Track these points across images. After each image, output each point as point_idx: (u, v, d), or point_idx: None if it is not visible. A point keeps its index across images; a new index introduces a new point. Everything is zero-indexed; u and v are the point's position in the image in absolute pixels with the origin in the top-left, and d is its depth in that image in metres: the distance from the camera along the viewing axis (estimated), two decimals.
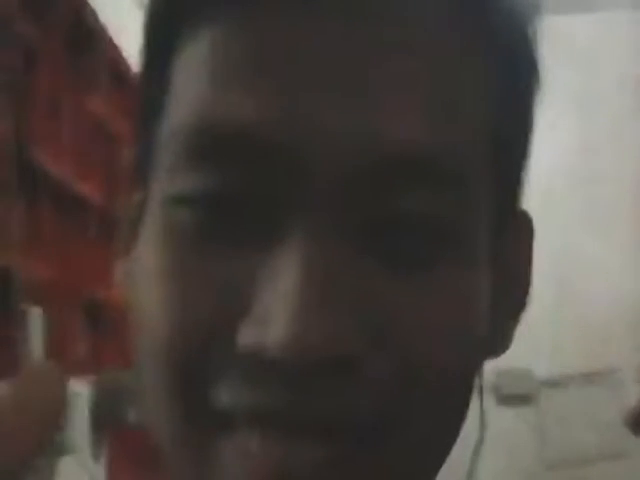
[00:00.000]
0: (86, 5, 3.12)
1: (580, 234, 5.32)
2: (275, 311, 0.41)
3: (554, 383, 5.28)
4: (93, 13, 3.18)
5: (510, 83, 0.48)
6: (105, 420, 2.72)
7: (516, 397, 5.28)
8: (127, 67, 3.51)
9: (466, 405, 0.48)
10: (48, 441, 1.99)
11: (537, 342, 5.27)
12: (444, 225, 0.44)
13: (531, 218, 0.53)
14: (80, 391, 2.61)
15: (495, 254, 0.48)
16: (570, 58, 5.37)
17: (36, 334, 2.64)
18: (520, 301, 0.53)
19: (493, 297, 0.48)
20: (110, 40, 3.30)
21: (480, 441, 0.55)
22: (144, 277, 0.46)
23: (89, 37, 3.16)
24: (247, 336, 0.42)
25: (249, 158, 0.43)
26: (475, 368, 0.48)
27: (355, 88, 0.43)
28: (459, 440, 0.47)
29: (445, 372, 0.44)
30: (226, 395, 0.43)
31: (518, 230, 0.52)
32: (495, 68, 0.47)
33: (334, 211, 0.43)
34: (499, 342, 0.52)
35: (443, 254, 0.44)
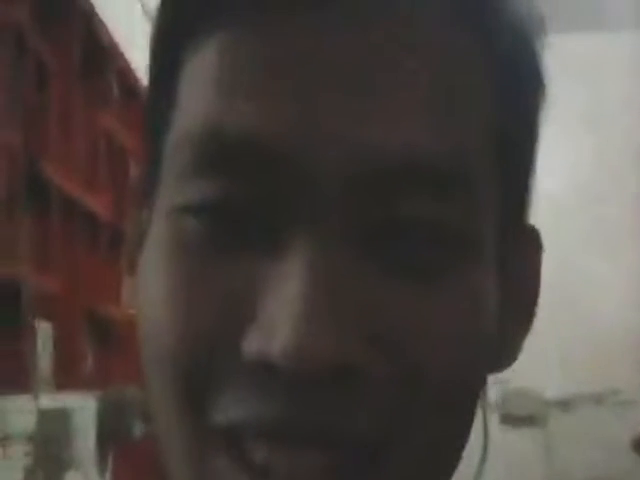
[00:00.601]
0: (98, 21, 3.13)
1: (588, 254, 5.32)
2: (280, 319, 0.41)
3: (561, 403, 5.27)
4: (105, 29, 3.20)
5: (513, 89, 0.48)
6: (111, 434, 2.71)
7: (523, 418, 5.26)
8: (138, 82, 3.52)
9: (471, 419, 0.47)
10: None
11: (545, 362, 5.25)
12: (450, 232, 0.44)
13: (539, 233, 0.53)
14: (86, 405, 2.61)
15: (503, 265, 0.48)
16: (579, 76, 5.37)
17: (44, 348, 2.64)
18: (528, 316, 0.52)
19: (501, 310, 0.48)
20: (121, 55, 3.31)
21: (483, 459, 0.54)
22: (148, 289, 0.46)
23: (101, 53, 3.17)
24: (252, 344, 0.42)
25: (254, 165, 0.43)
26: (480, 381, 0.48)
27: (360, 95, 0.43)
28: (464, 459, 0.47)
29: (450, 383, 0.44)
30: (231, 405, 0.43)
31: (526, 244, 0.51)
32: (498, 74, 0.47)
33: (339, 218, 0.43)
34: (505, 355, 0.51)
35: (450, 262, 0.44)
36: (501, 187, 0.47)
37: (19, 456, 2.29)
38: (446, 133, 0.44)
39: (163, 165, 0.47)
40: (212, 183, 0.44)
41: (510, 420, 5.23)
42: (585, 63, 5.34)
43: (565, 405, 5.26)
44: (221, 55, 0.45)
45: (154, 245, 0.47)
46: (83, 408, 2.55)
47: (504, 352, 0.51)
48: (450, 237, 0.44)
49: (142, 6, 3.67)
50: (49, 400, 2.48)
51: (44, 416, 2.40)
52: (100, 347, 3.13)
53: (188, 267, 0.44)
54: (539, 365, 5.22)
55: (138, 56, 3.42)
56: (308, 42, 0.44)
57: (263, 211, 0.44)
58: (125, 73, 3.34)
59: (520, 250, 0.50)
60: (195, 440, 0.44)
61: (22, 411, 2.35)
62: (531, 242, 0.53)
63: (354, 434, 0.43)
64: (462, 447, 0.48)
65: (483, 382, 0.48)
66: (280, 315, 0.41)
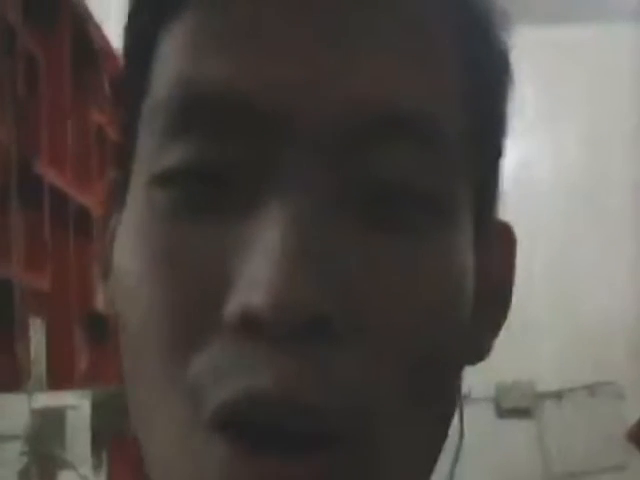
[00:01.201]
0: (90, 18, 3.12)
1: (582, 247, 5.32)
2: (259, 273, 0.40)
3: (555, 396, 5.28)
4: (96, 27, 3.19)
5: (483, 67, 0.48)
6: (106, 433, 2.71)
7: (517, 410, 5.27)
8: None
9: (449, 410, 0.47)
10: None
11: (538, 355, 5.26)
12: (430, 193, 0.44)
13: (512, 228, 0.53)
14: (81, 404, 2.60)
15: (477, 255, 0.48)
16: (574, 73, 5.37)
17: (38, 347, 2.63)
18: (501, 310, 0.52)
19: (475, 301, 0.47)
20: (113, 53, 3.30)
21: (459, 448, 0.54)
22: (124, 264, 0.46)
23: (93, 50, 3.17)
24: (234, 303, 0.41)
25: (229, 122, 0.43)
26: (457, 364, 0.47)
27: (338, 47, 0.43)
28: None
29: (427, 353, 0.43)
30: (213, 376, 0.42)
31: (498, 238, 0.51)
32: (467, 45, 0.47)
33: (312, 173, 0.42)
34: (478, 348, 0.51)
35: (431, 226, 0.44)
36: (473, 169, 0.47)
37: (13, 455, 2.28)
38: (424, 89, 0.44)
39: (137, 144, 0.47)
40: (187, 146, 0.43)
41: (503, 413, 5.23)
42: (584, 57, 5.34)
43: (558, 397, 5.27)
44: (192, 22, 0.45)
45: (129, 221, 0.47)
46: (77, 407, 2.55)
47: (477, 344, 0.50)
48: (429, 199, 0.44)
49: None
50: (43, 399, 2.48)
51: (38, 415, 2.40)
52: (94, 345, 3.13)
53: (163, 236, 0.44)
54: (533, 358, 5.23)
55: None
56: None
57: (238, 171, 0.43)
58: (117, 71, 3.33)
59: (493, 244, 0.50)
60: (177, 417, 0.43)
61: (16, 410, 2.35)
62: (504, 237, 0.52)
63: (332, 404, 0.41)
64: (442, 438, 0.47)
65: (459, 369, 0.48)
66: (260, 270, 0.40)
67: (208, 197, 0.43)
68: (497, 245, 0.51)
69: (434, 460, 0.47)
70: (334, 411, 0.42)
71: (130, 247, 0.46)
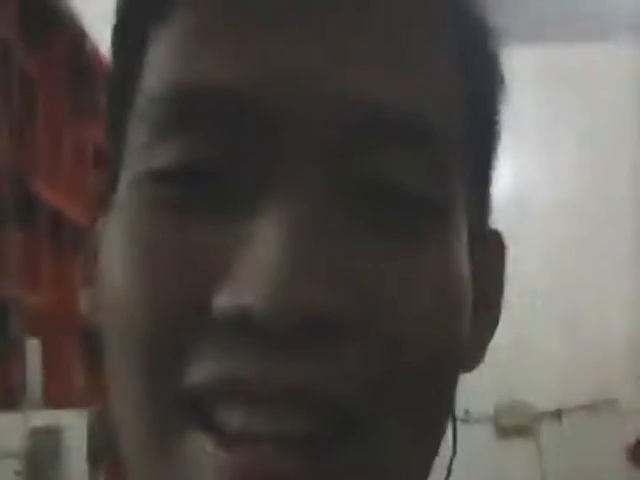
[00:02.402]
0: (85, 35, 3.13)
1: (583, 267, 5.32)
2: (255, 270, 0.40)
3: (554, 415, 5.26)
4: (92, 43, 3.19)
5: (475, 71, 0.49)
6: (102, 451, 2.70)
7: (516, 429, 5.26)
8: None
9: (445, 412, 0.47)
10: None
11: (537, 374, 5.25)
12: (423, 192, 0.44)
13: (502, 237, 0.53)
14: (77, 422, 2.59)
15: (471, 257, 0.48)
16: (572, 92, 5.39)
17: (33, 365, 2.62)
18: (491, 320, 0.52)
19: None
20: (108, 68, 3.31)
21: (451, 461, 0.53)
22: (111, 263, 0.45)
23: (88, 68, 3.17)
24: (225, 298, 0.41)
25: (224, 118, 0.43)
26: (454, 367, 0.46)
27: (327, 47, 0.43)
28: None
29: (425, 351, 0.43)
30: (203, 368, 0.41)
31: (490, 247, 0.51)
32: (463, 56, 0.48)
33: (310, 172, 0.42)
34: (472, 355, 0.50)
35: (425, 223, 0.44)
36: (468, 175, 0.47)
37: (9, 474, 2.27)
38: (420, 92, 0.44)
39: (126, 145, 0.47)
40: (182, 144, 0.43)
41: (502, 431, 5.22)
42: (581, 78, 5.36)
43: (558, 416, 5.26)
44: (185, 21, 0.45)
45: (116, 221, 0.46)
46: (74, 425, 2.54)
47: (470, 351, 0.49)
48: (425, 201, 0.44)
49: None
50: (39, 417, 2.47)
51: (34, 434, 2.39)
52: (90, 363, 3.11)
53: (152, 230, 0.43)
54: (532, 377, 5.22)
55: None
56: None
57: (233, 170, 0.43)
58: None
59: (485, 253, 0.50)
60: (163, 414, 0.43)
61: (12, 429, 2.34)
62: (494, 244, 0.52)
63: (329, 397, 0.41)
64: (437, 440, 0.47)
65: (456, 372, 0.47)
66: (255, 267, 0.40)
67: (200, 196, 0.43)
68: (488, 253, 0.50)
69: (429, 467, 0.47)
70: (326, 397, 0.41)
71: (117, 244, 0.45)
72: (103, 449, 2.68)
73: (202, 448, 0.42)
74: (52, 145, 2.84)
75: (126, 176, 0.46)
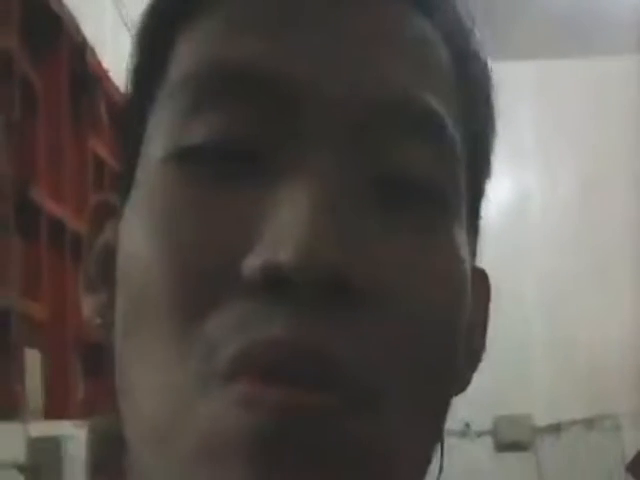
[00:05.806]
0: (87, 47, 3.13)
1: (579, 281, 5.32)
2: (285, 231, 0.41)
3: (553, 429, 5.26)
4: (94, 53, 3.20)
5: (473, 80, 0.51)
6: (101, 463, 2.69)
7: (515, 444, 5.25)
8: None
9: (445, 408, 0.48)
10: None
11: (535, 388, 5.25)
12: (436, 182, 0.46)
13: (487, 276, 0.54)
14: (77, 434, 2.58)
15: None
16: (572, 107, 5.40)
17: (34, 377, 2.62)
18: (477, 350, 0.53)
19: None
20: (110, 81, 3.31)
21: (440, 471, 0.54)
22: (135, 235, 0.46)
23: (90, 77, 3.17)
24: (256, 258, 0.41)
25: (254, 96, 0.44)
26: (456, 363, 0.47)
27: (354, 41, 0.46)
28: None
29: (437, 341, 0.45)
30: (230, 334, 0.42)
31: (476, 283, 0.51)
32: (462, 67, 0.50)
33: (335, 146, 0.44)
34: (462, 377, 0.51)
35: (436, 212, 0.46)
36: (471, 174, 0.49)
37: None
38: (434, 91, 0.47)
39: (148, 127, 0.48)
40: (213, 120, 0.45)
41: (500, 446, 5.21)
42: (580, 89, 5.37)
43: (557, 430, 5.26)
44: (219, 10, 0.47)
45: (139, 202, 0.47)
46: (73, 437, 2.53)
47: (461, 372, 0.50)
48: (438, 190, 0.46)
49: (129, 31, 3.67)
50: (39, 428, 2.46)
51: (34, 445, 2.38)
52: (91, 374, 3.11)
53: (181, 204, 0.44)
54: (530, 391, 5.22)
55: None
56: None
57: (264, 144, 0.44)
58: (114, 98, 3.33)
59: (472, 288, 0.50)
60: (189, 377, 0.43)
61: (12, 440, 2.33)
62: (481, 282, 0.53)
63: (350, 364, 0.42)
64: (440, 430, 0.48)
65: (454, 377, 0.48)
66: (287, 227, 0.41)
67: (231, 169, 0.44)
68: (475, 288, 0.51)
69: (429, 457, 0.48)
70: (349, 364, 0.42)
71: (142, 223, 0.46)
72: (103, 460, 2.67)
73: (226, 406, 0.42)
74: (54, 154, 2.84)
75: (149, 156, 0.47)
